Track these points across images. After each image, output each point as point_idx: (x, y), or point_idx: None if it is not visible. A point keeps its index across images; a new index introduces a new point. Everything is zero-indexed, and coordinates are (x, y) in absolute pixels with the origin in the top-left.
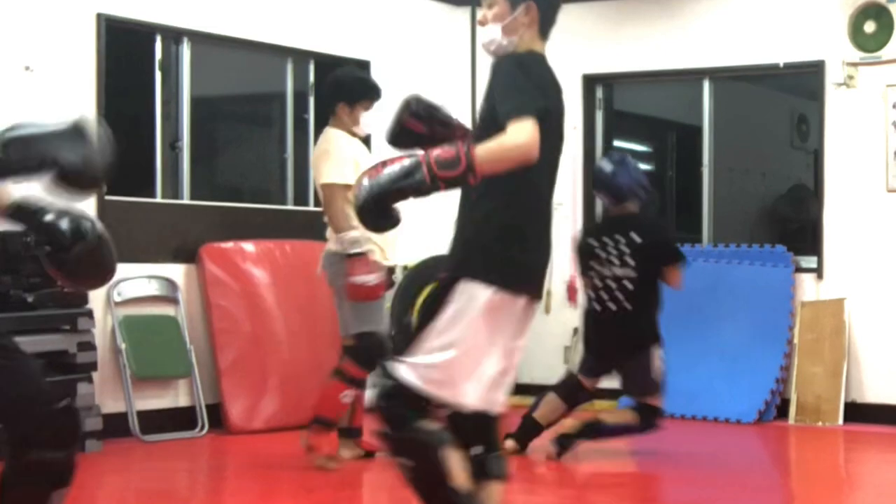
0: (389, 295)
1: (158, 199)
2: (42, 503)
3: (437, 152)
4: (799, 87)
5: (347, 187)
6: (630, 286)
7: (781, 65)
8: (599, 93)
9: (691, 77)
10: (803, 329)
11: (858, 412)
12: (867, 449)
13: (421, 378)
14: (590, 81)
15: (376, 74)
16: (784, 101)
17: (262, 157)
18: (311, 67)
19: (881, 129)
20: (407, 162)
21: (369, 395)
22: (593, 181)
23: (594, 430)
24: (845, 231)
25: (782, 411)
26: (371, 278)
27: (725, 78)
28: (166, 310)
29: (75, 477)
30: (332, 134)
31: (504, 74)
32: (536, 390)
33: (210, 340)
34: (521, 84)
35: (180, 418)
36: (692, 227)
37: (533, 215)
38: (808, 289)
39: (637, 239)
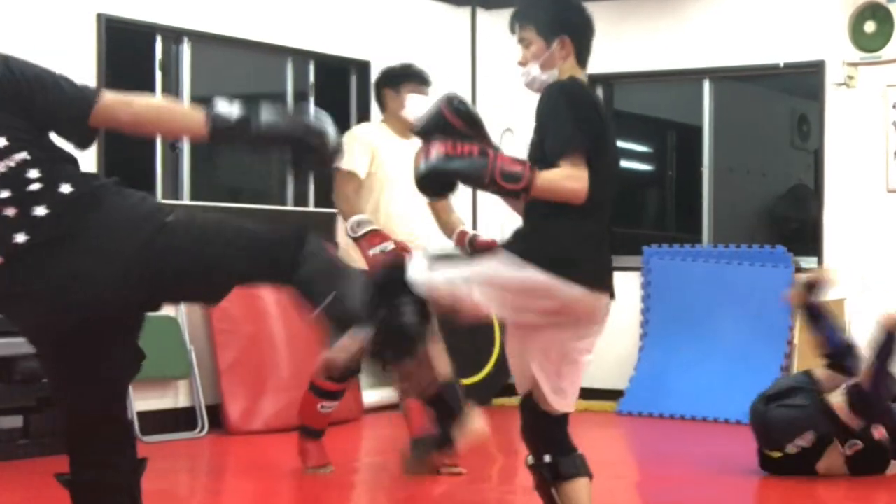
0: None
1: (158, 199)
2: None
3: (506, 162)
4: (799, 87)
5: (353, 175)
6: None
7: (781, 65)
8: (599, 93)
9: (691, 77)
10: (803, 329)
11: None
12: None
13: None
14: (590, 81)
15: (376, 75)
16: (784, 101)
17: (262, 157)
18: (311, 67)
19: (881, 129)
20: (478, 157)
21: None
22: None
23: None
24: (845, 231)
25: None
26: (386, 245)
27: (725, 78)
28: (166, 310)
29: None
30: (364, 124)
31: (551, 107)
32: None
33: (210, 341)
34: (570, 116)
35: (180, 419)
36: (692, 227)
37: (591, 233)
38: None
39: None
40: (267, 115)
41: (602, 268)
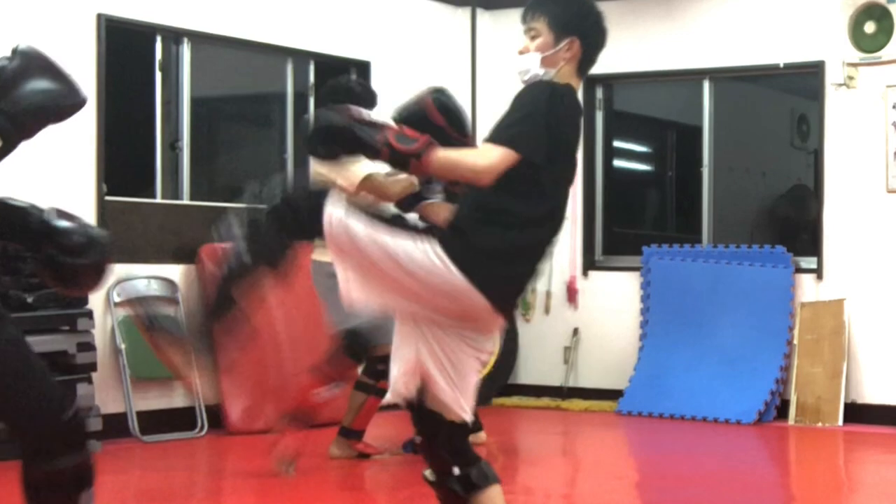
0: None
1: (158, 200)
2: None
3: (403, 129)
4: (799, 87)
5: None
6: None
7: (781, 65)
8: (599, 93)
9: (691, 77)
10: (803, 329)
11: (858, 413)
12: (867, 450)
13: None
14: (590, 81)
15: (376, 75)
16: (784, 101)
17: (262, 157)
18: (311, 68)
19: (881, 129)
20: (375, 120)
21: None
22: None
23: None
24: (845, 231)
25: (782, 412)
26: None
27: (725, 78)
28: (166, 310)
29: (96, 475)
30: None
31: (527, 100)
32: (536, 391)
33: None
34: (534, 119)
35: (180, 419)
36: (692, 227)
37: (524, 247)
38: (807, 289)
39: None
40: None
41: (516, 287)
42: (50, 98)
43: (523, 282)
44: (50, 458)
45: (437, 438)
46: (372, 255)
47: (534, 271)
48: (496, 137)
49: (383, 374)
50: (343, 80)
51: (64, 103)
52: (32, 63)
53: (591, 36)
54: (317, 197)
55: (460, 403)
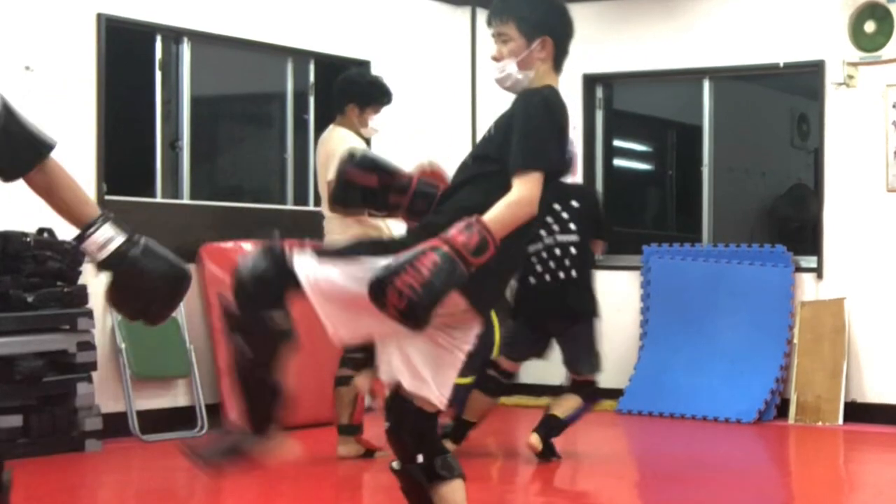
0: None
1: (158, 199)
2: None
3: (461, 239)
4: (799, 86)
5: None
6: (574, 251)
7: (781, 65)
8: (599, 93)
9: (691, 77)
10: (803, 329)
11: (858, 412)
12: (867, 449)
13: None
14: (590, 81)
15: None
16: (784, 101)
17: (262, 157)
18: (311, 67)
19: (881, 128)
20: (441, 261)
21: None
22: None
23: (552, 427)
24: (845, 231)
25: (782, 411)
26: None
27: (725, 78)
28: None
29: None
30: (341, 133)
31: (529, 115)
32: (537, 390)
33: (210, 340)
34: (543, 132)
35: (180, 418)
36: (692, 227)
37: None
38: (807, 288)
39: (575, 204)
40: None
41: (498, 290)
42: None
43: (504, 284)
44: None
45: (405, 424)
46: (352, 292)
47: (514, 272)
48: (520, 164)
49: (364, 364)
50: (361, 73)
51: None
52: None
53: (560, 30)
54: (280, 262)
55: (434, 392)
